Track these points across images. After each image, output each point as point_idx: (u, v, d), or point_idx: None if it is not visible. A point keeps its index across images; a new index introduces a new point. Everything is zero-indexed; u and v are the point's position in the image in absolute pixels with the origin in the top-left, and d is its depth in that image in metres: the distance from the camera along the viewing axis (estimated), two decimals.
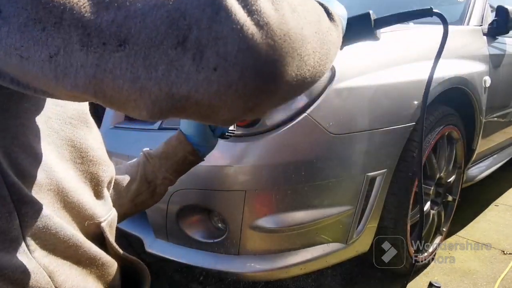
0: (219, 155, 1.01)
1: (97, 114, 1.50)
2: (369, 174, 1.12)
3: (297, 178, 1.01)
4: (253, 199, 1.00)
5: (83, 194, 0.45)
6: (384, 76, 1.17)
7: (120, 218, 0.59)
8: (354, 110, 1.09)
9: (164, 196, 1.07)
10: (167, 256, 1.12)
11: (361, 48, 1.25)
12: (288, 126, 1.00)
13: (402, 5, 2.41)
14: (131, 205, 0.68)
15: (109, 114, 1.35)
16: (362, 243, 1.20)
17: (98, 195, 0.49)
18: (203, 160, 0.75)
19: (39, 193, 0.39)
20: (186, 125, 0.72)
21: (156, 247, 1.15)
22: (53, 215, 0.40)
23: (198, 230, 1.10)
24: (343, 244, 1.15)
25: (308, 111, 1.01)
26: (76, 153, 0.45)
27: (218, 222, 1.10)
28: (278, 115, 1.02)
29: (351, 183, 1.11)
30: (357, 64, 1.15)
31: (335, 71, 1.07)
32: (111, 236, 0.50)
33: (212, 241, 1.08)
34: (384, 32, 1.40)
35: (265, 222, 1.01)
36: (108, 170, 0.50)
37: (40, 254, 0.39)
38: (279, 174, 0.99)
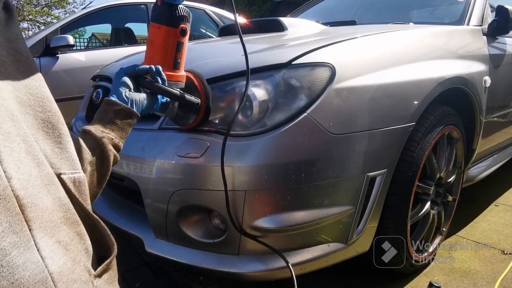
0: (219, 155, 1.01)
1: None
2: (369, 174, 1.12)
3: (297, 178, 1.01)
4: (253, 199, 1.00)
5: (41, 141, 0.46)
6: (384, 76, 1.17)
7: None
8: (354, 110, 1.09)
9: (164, 196, 1.07)
10: (167, 256, 1.12)
11: (361, 48, 1.25)
12: (288, 126, 1.00)
13: (403, 5, 2.41)
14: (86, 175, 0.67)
15: None
16: (362, 243, 1.20)
17: (59, 147, 0.49)
18: (138, 116, 0.78)
19: None
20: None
21: (156, 247, 1.15)
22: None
23: (198, 230, 1.10)
24: (343, 244, 1.15)
25: (308, 111, 1.01)
26: (34, 100, 0.46)
27: (218, 222, 1.10)
28: (278, 115, 1.02)
29: (351, 183, 1.11)
30: (357, 64, 1.15)
31: (335, 71, 1.07)
32: (78, 195, 0.50)
33: (212, 241, 1.08)
34: (384, 32, 1.40)
35: (265, 222, 1.01)
36: (66, 125, 0.51)
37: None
38: (279, 174, 0.99)
